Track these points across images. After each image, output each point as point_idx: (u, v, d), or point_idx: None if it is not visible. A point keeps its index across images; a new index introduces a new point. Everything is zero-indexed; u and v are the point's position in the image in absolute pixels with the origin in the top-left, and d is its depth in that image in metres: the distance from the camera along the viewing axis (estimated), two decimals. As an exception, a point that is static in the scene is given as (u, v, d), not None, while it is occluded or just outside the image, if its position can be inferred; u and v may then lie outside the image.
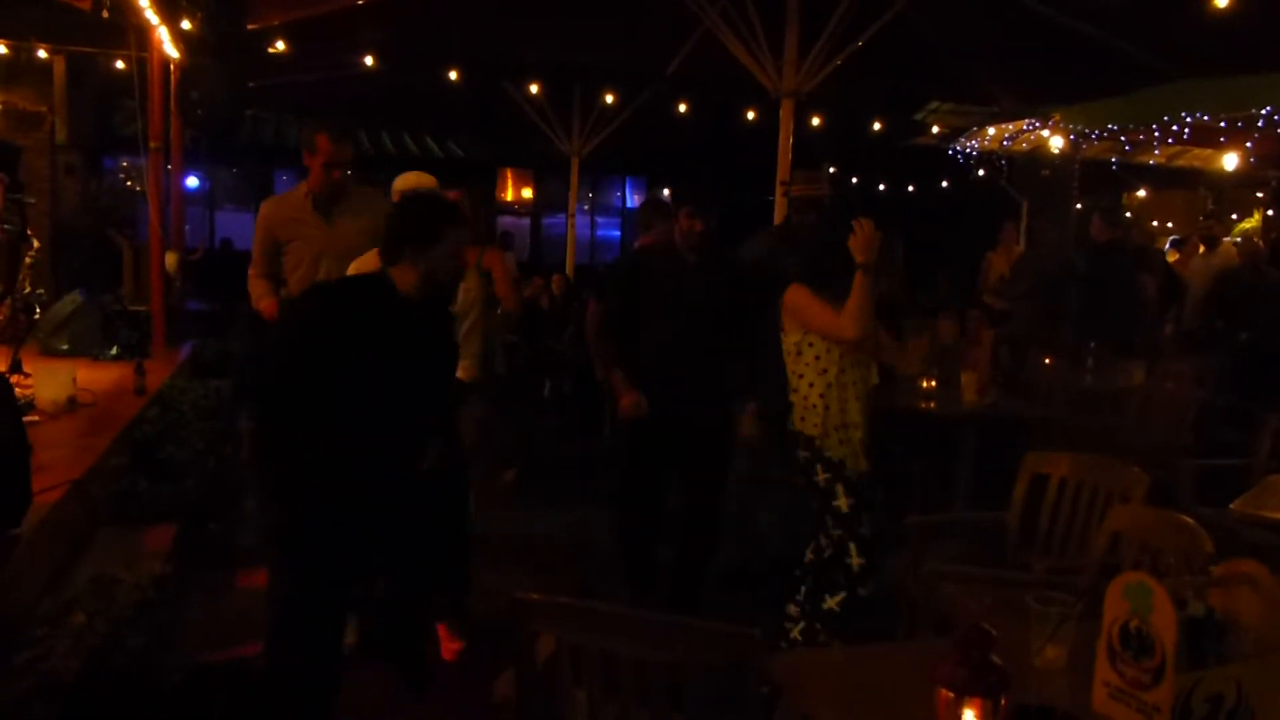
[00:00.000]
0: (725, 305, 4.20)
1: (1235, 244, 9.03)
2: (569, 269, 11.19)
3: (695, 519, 4.35)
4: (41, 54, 8.29)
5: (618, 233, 20.61)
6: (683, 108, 9.83)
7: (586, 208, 19.66)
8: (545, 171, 17.63)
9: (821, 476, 3.70)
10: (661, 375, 4.18)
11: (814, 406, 3.68)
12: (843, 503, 3.65)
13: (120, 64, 7.68)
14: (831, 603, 3.67)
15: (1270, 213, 12.22)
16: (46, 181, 9.01)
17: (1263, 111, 8.18)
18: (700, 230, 4.12)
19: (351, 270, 3.73)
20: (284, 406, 2.82)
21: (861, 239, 3.52)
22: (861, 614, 3.71)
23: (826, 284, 3.66)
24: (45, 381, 4.17)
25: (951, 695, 1.71)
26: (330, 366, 2.80)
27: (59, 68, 8.73)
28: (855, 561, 3.64)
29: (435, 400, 3.24)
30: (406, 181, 4.05)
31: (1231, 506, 3.76)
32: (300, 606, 2.92)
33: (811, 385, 3.69)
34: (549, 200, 18.57)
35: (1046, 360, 6.98)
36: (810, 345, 3.69)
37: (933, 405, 5.57)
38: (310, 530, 2.88)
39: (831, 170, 4.72)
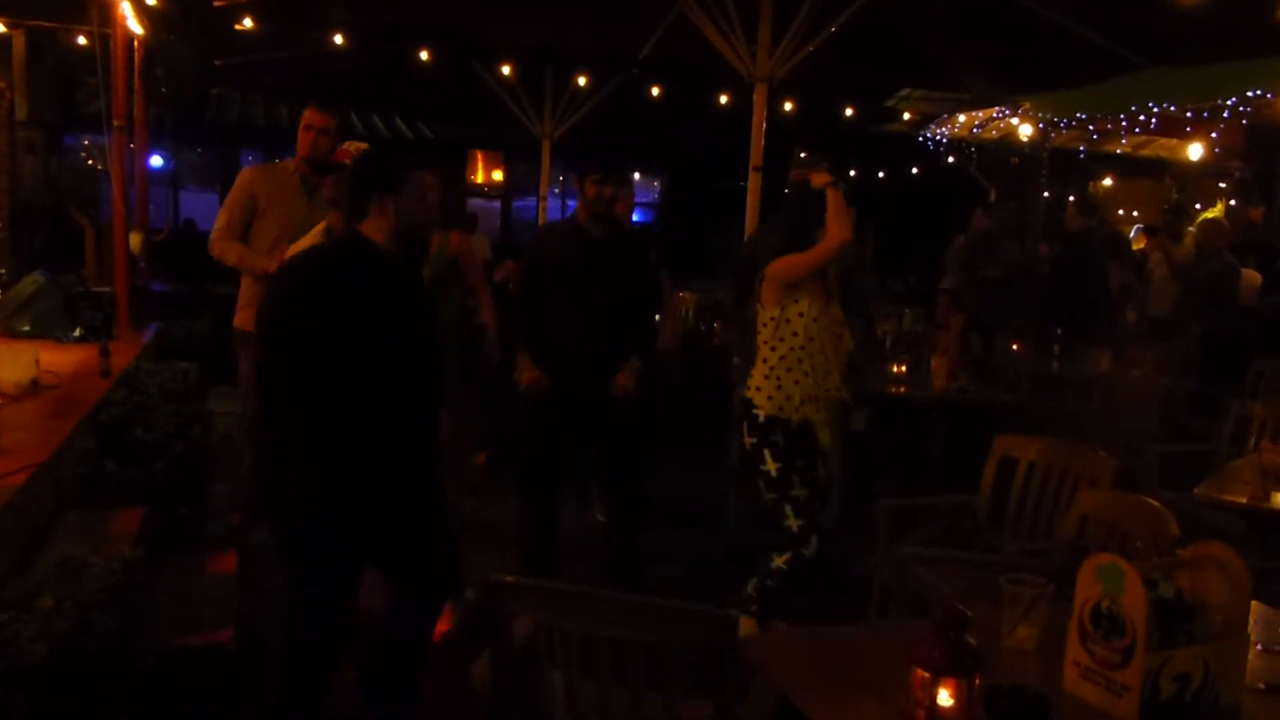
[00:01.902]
0: (630, 277, 4.29)
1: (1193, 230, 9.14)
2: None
3: (614, 490, 4.53)
4: (0, 28, 8.12)
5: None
6: (655, 91, 9.80)
7: (558, 190, 19.56)
8: (516, 154, 17.52)
9: (748, 440, 3.83)
10: (566, 351, 4.29)
11: (778, 376, 3.76)
12: (770, 466, 3.77)
13: (82, 39, 7.53)
14: (779, 561, 3.78)
15: (1233, 203, 12.38)
16: (6, 159, 8.82)
17: (1228, 102, 8.29)
18: (609, 196, 4.15)
19: (291, 251, 3.56)
20: (300, 393, 2.65)
21: (818, 176, 3.73)
22: (814, 576, 3.83)
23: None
24: (7, 363, 4.09)
25: (927, 675, 1.74)
26: (342, 338, 2.66)
27: (18, 42, 8.56)
28: (793, 523, 3.75)
29: (437, 364, 3.08)
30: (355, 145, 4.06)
31: (1195, 491, 3.83)
32: (315, 603, 2.79)
33: (783, 358, 3.76)
34: (519, 182, 18.47)
35: (1014, 346, 7.05)
36: (788, 320, 3.75)
37: (902, 390, 5.63)
38: (335, 525, 2.73)
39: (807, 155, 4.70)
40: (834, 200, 3.65)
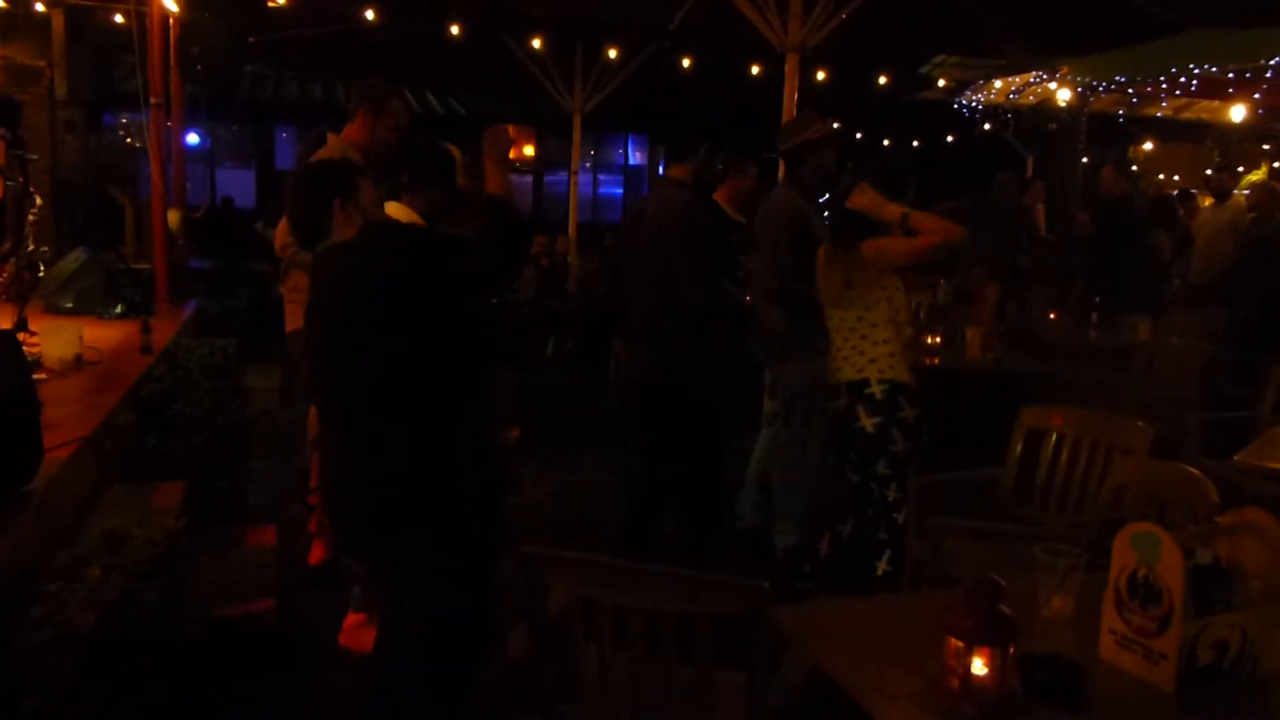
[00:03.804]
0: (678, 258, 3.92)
1: (1245, 195, 8.95)
2: (571, 227, 11.13)
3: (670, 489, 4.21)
4: (39, 7, 8.20)
5: (620, 190, 20.48)
6: (686, 63, 9.73)
7: (589, 166, 19.52)
8: (547, 128, 17.50)
9: (869, 423, 3.69)
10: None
11: (885, 356, 3.70)
12: (900, 447, 3.68)
13: (119, 18, 7.60)
14: (882, 567, 3.71)
15: (1277, 165, 12.12)
16: (46, 138, 8.93)
17: (1272, 63, 8.10)
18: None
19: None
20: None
21: (872, 206, 3.60)
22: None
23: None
24: (52, 339, 4.17)
25: (961, 644, 1.73)
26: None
27: (57, 21, 8.63)
28: (892, 494, 3.70)
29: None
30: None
31: (1235, 459, 3.78)
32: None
33: (887, 341, 3.71)
34: (551, 158, 18.45)
35: (1052, 316, 6.97)
36: (891, 299, 3.72)
37: (936, 361, 5.58)
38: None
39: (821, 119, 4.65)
40: (922, 219, 3.56)
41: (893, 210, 3.58)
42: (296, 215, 2.68)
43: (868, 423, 3.66)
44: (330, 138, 4.28)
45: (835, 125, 4.39)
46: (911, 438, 3.68)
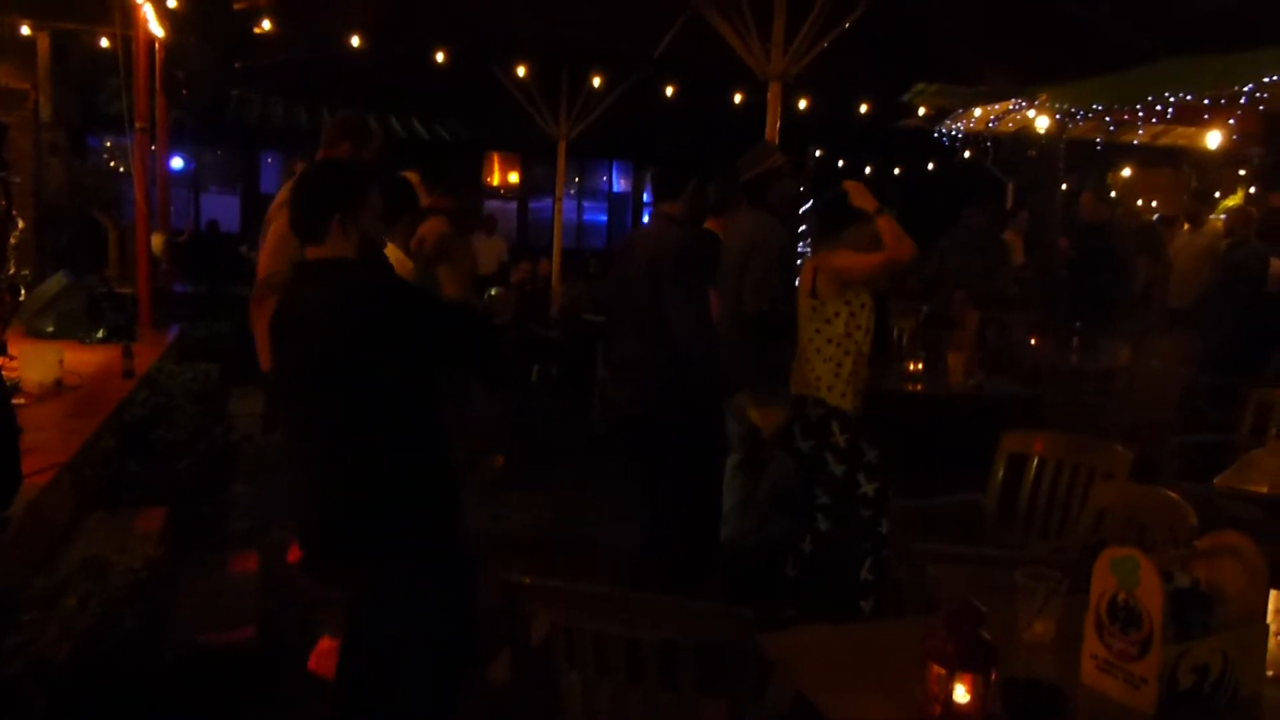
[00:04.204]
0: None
1: (1222, 219, 9.06)
2: (555, 253, 11.16)
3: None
4: (25, 30, 8.19)
5: (604, 217, 20.54)
6: (670, 91, 9.80)
7: (573, 191, 19.58)
8: (532, 155, 17.55)
9: (840, 438, 3.88)
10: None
11: (844, 373, 3.83)
12: (871, 457, 3.87)
13: (105, 41, 7.59)
14: (865, 573, 3.91)
15: (1254, 189, 12.27)
16: (30, 160, 8.89)
17: (1245, 89, 8.23)
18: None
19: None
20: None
21: (856, 192, 3.77)
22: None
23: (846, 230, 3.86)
24: (31, 363, 4.15)
25: (943, 670, 1.74)
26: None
27: (42, 44, 8.61)
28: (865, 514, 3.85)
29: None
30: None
31: (1215, 482, 3.81)
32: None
33: (847, 354, 3.84)
34: (535, 184, 18.50)
35: (1033, 340, 7.02)
36: (852, 314, 3.85)
37: (919, 387, 5.61)
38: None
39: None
40: (888, 225, 3.71)
41: (872, 201, 3.74)
42: (296, 216, 2.60)
43: (803, 445, 3.93)
44: (299, 168, 4.30)
45: (817, 153, 4.45)
46: (845, 461, 3.84)
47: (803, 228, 10.52)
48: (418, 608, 2.56)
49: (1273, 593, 2.18)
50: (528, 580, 2.04)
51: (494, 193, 19.20)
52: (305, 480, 2.61)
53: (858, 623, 3.55)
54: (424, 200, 3.25)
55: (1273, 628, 2.07)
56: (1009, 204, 11.89)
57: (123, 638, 2.38)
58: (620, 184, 20.64)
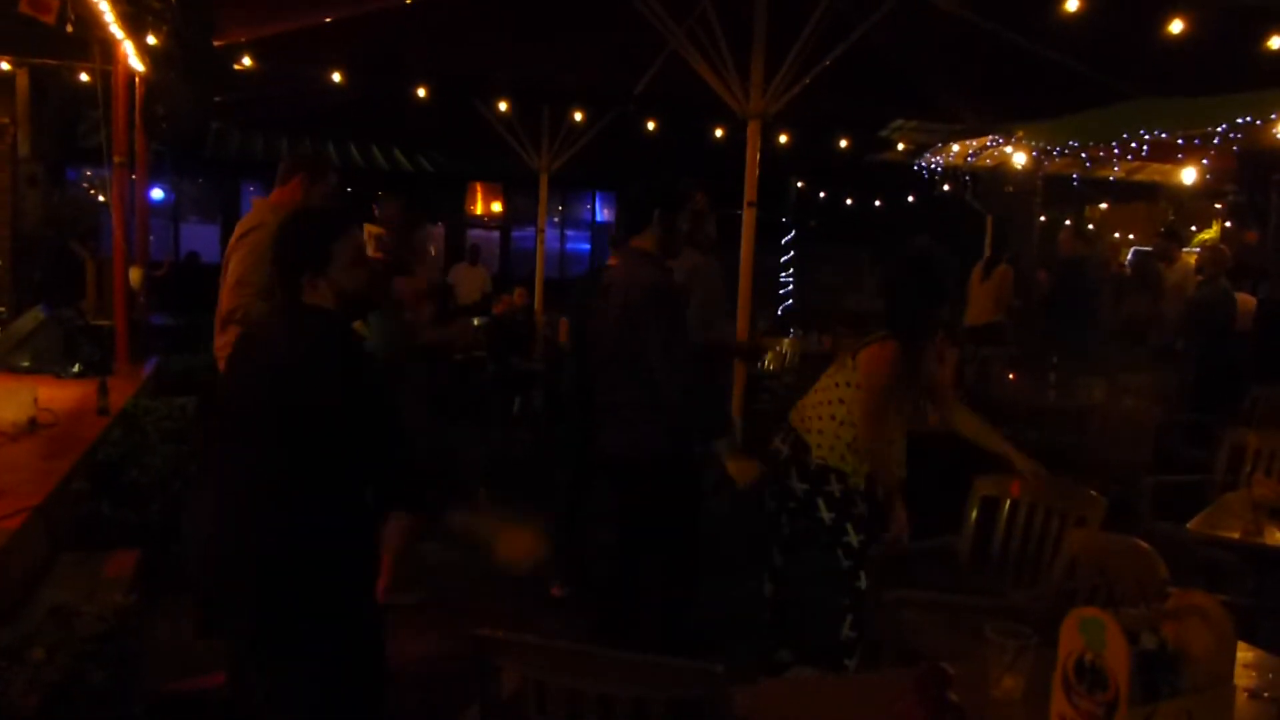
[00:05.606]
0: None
1: (1196, 253, 9.15)
2: (538, 283, 11.17)
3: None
4: (4, 66, 8.19)
5: (587, 246, 20.63)
6: (650, 125, 9.87)
7: (556, 221, 19.66)
8: (515, 185, 17.61)
9: (828, 515, 3.87)
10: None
11: (846, 440, 3.84)
12: (854, 538, 3.83)
13: (85, 76, 7.59)
14: (847, 629, 3.85)
15: (1228, 224, 12.44)
16: (8, 193, 8.87)
17: (1219, 129, 8.36)
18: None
19: None
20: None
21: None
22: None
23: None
24: (5, 401, 4.12)
25: (910, 732, 1.74)
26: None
27: (22, 80, 8.62)
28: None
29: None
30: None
31: (1189, 526, 3.83)
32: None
33: (845, 423, 3.84)
34: (518, 213, 18.56)
35: (1011, 377, 7.07)
36: (848, 384, 3.88)
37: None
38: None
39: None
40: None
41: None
42: (273, 270, 2.58)
43: (798, 486, 3.89)
44: (256, 203, 4.25)
45: (798, 184, 4.50)
46: (835, 509, 3.83)
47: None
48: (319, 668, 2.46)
49: (1240, 645, 2.19)
50: (500, 634, 2.03)
51: (478, 221, 19.25)
52: (229, 510, 2.50)
53: (830, 677, 3.54)
54: (372, 253, 3.20)
55: (1241, 683, 2.08)
56: (988, 237, 11.98)
57: (89, 691, 2.36)
58: (603, 213, 20.76)
